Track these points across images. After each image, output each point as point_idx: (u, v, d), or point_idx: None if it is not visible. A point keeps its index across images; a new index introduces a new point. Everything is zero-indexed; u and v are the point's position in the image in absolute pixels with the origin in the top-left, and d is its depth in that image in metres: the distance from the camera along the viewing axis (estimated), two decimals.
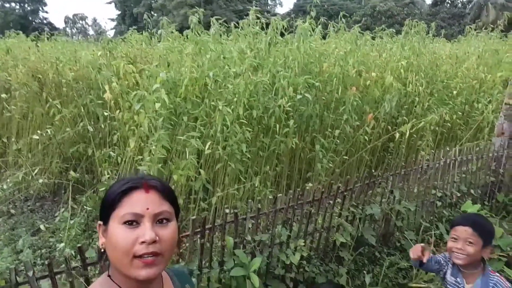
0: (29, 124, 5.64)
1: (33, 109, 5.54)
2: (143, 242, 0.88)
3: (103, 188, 3.70)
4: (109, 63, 4.75)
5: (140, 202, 0.91)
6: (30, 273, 1.97)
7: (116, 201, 0.92)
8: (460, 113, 5.92)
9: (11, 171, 5.06)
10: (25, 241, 4.07)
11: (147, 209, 0.91)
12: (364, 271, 3.57)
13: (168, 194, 0.98)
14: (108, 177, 4.16)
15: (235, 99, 3.91)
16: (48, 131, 4.63)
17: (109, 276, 0.95)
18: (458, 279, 1.91)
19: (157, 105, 3.58)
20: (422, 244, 2.02)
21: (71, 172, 4.66)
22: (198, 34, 4.59)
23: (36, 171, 4.53)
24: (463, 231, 1.87)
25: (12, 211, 5.04)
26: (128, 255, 0.88)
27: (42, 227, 4.25)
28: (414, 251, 2.01)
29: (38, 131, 4.74)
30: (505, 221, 4.60)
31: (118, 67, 4.41)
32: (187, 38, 4.46)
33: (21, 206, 5.24)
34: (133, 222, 0.90)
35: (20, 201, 5.34)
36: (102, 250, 0.94)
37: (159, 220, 0.93)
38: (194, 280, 2.73)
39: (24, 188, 5.28)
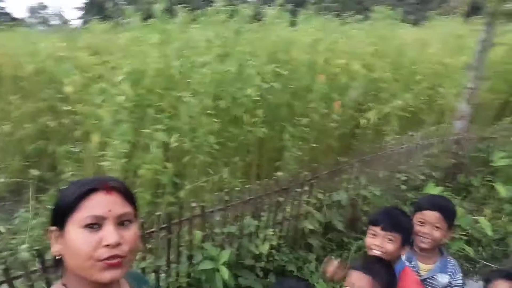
0: None
1: None
2: (106, 246, 0.85)
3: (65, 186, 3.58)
4: (70, 55, 4.57)
5: (102, 204, 0.88)
6: None
7: (75, 204, 0.87)
8: (424, 98, 6.07)
9: None
10: None
11: (109, 211, 0.88)
12: (333, 257, 3.65)
13: (129, 195, 0.95)
14: (72, 174, 4.04)
15: (202, 90, 3.84)
16: (4, 127, 4.43)
17: (64, 285, 0.92)
18: (413, 263, 1.92)
19: (120, 98, 3.48)
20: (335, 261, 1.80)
21: (32, 170, 4.48)
22: (163, 23, 4.47)
23: None
24: (431, 215, 1.84)
25: None
26: (91, 259, 0.85)
27: (1, 228, 4.09)
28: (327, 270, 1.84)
29: None
30: (465, 201, 4.81)
31: (80, 59, 4.25)
32: (151, 27, 4.32)
33: None
34: (94, 225, 0.86)
35: None
36: (58, 257, 0.90)
37: (121, 222, 0.90)
38: (162, 275, 2.72)
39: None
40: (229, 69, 4.06)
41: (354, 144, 5.93)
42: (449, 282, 1.87)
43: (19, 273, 2.09)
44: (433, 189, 4.11)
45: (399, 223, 1.71)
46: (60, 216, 0.89)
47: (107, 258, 0.86)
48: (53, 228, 0.91)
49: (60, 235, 0.89)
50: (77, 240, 0.86)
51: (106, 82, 3.71)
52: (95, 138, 3.71)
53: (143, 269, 2.59)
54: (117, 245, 0.87)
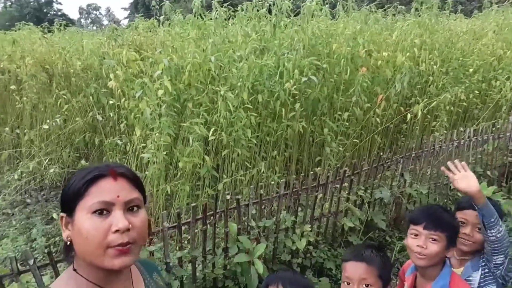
0: (41, 115, 5.72)
1: (44, 100, 5.61)
2: (116, 231, 0.85)
3: None
4: (113, 51, 4.73)
5: (109, 190, 0.88)
6: (31, 262, 1.99)
7: (82, 190, 0.87)
8: (477, 92, 5.69)
9: (25, 161, 5.16)
10: (39, 230, 4.17)
11: (118, 196, 0.88)
12: None
13: (136, 181, 0.95)
14: None
15: (239, 84, 3.83)
16: (58, 120, 4.68)
17: (74, 270, 0.92)
18: None
19: (160, 92, 3.54)
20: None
21: (82, 161, 4.72)
22: (202, 18, 4.51)
23: (46, 161, 4.60)
24: (473, 216, 1.68)
25: (28, 200, 5.17)
26: (102, 246, 0.85)
27: (55, 215, 4.34)
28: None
29: (48, 121, 4.79)
30: None
31: (123, 55, 4.38)
32: (190, 22, 4.37)
33: (36, 196, 5.36)
34: (103, 211, 0.86)
35: (35, 190, 5.46)
36: (68, 243, 0.90)
37: (129, 207, 0.90)
38: (199, 266, 2.73)
39: (39, 177, 5.39)
40: (267, 63, 4.02)
41: (399, 140, 5.69)
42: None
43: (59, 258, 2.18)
44: (485, 189, 3.82)
45: (443, 221, 1.56)
46: (68, 203, 0.89)
47: (118, 245, 0.85)
48: (63, 214, 0.91)
49: (70, 221, 0.89)
50: (86, 226, 0.85)
51: (146, 77, 3.80)
52: (138, 131, 3.81)
53: (179, 259, 2.62)
54: (127, 230, 0.86)
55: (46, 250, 2.05)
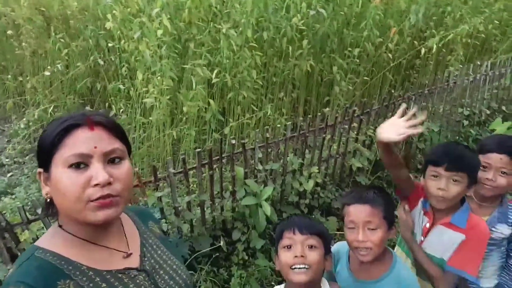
0: (42, 61, 5.57)
1: (43, 45, 5.42)
2: (96, 185, 0.78)
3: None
4: None
5: (86, 140, 0.80)
6: (39, 211, 2.01)
7: (56, 142, 0.79)
8: (497, 22, 5.32)
9: (31, 109, 5.12)
10: None
11: (95, 147, 0.80)
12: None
13: (116, 130, 0.86)
14: (121, 110, 4.14)
15: (242, 21, 3.61)
16: (59, 66, 4.55)
17: (60, 226, 0.87)
18: None
19: (159, 32, 3.36)
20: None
21: (87, 108, 4.67)
22: None
23: (52, 108, 4.55)
24: (497, 159, 1.58)
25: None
26: (81, 201, 0.78)
27: None
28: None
29: (49, 67, 4.68)
30: None
31: None
32: None
33: None
34: (80, 164, 0.79)
35: None
36: (48, 200, 0.85)
37: (110, 159, 0.83)
38: (208, 210, 2.76)
39: (46, 125, 5.38)
40: None
41: (412, 76, 5.47)
42: None
43: None
44: (500, 125, 3.70)
45: (465, 161, 1.45)
46: (43, 157, 0.82)
47: (98, 198, 0.79)
48: (40, 170, 0.84)
49: (48, 177, 0.83)
50: (63, 182, 0.78)
51: (145, 16, 3.59)
52: (140, 75, 3.69)
53: (188, 203, 2.64)
54: (108, 184, 0.79)
55: None
